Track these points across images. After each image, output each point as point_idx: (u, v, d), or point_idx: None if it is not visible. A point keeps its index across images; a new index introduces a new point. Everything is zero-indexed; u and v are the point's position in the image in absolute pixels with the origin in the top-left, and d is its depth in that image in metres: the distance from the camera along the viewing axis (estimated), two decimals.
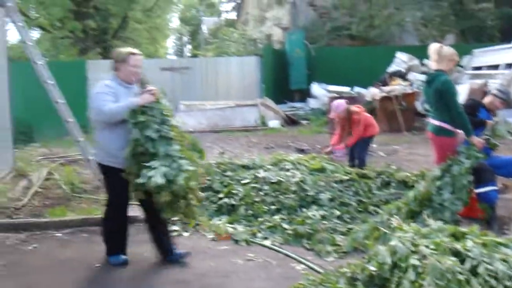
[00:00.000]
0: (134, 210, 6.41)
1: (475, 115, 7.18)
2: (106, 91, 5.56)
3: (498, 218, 6.89)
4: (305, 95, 22.43)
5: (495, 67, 19.70)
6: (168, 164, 5.20)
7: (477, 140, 6.60)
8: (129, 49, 5.78)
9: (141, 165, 5.25)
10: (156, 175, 5.05)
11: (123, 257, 5.90)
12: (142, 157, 5.29)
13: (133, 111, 5.36)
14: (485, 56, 20.90)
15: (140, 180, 5.13)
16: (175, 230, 6.95)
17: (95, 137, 5.75)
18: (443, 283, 3.41)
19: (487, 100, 7.50)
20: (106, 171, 5.71)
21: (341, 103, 9.76)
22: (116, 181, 5.56)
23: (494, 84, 17.06)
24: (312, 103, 21.35)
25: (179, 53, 71.12)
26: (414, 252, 3.80)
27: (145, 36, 38.74)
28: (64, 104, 9.52)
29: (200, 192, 5.82)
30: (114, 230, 5.90)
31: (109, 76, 5.76)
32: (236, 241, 6.52)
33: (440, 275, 3.44)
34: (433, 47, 6.93)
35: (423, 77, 19.42)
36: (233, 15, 51.17)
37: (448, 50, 6.87)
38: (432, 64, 6.95)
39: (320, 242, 6.34)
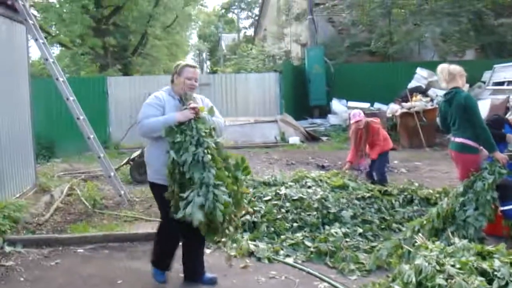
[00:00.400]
0: (152, 226, 6.40)
1: (500, 130, 7.13)
2: (153, 103, 5.39)
3: None
4: (325, 111, 22.40)
5: None
6: (204, 194, 4.89)
7: (501, 156, 6.52)
8: (186, 62, 5.63)
9: (181, 185, 5.04)
10: (194, 211, 4.81)
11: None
12: (181, 177, 5.04)
13: (171, 129, 5.13)
14: (506, 71, 20.75)
15: (178, 215, 4.87)
16: None
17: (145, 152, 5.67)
18: None
19: (511, 116, 7.43)
20: (154, 187, 5.54)
21: (358, 112, 9.79)
22: (164, 199, 5.25)
23: None
24: (332, 119, 21.31)
25: (199, 69, 71.59)
26: (439, 271, 3.75)
27: (165, 52, 39.07)
28: (85, 120, 9.59)
29: (238, 218, 5.65)
30: (164, 247, 5.73)
31: (164, 90, 5.58)
32: (259, 259, 6.48)
33: None
34: (442, 68, 6.92)
35: (442, 93, 19.32)
36: (251, 32, 51.38)
37: (456, 67, 6.87)
38: (443, 84, 6.92)
39: (343, 260, 6.27)
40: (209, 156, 5.03)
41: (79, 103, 9.80)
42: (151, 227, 7.78)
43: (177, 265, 5.88)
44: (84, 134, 9.50)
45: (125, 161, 12.02)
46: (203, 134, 5.16)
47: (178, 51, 44.35)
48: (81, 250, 7.11)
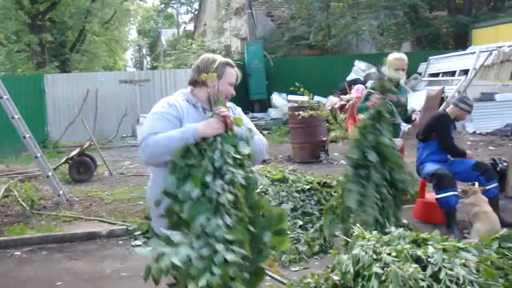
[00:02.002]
0: (93, 226, 6.33)
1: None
2: (165, 113, 3.54)
3: (458, 222, 7.01)
4: (265, 105, 22.48)
5: (451, 73, 20.08)
6: (199, 247, 3.00)
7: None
8: (223, 58, 3.81)
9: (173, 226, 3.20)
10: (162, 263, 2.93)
11: None
12: (177, 220, 3.18)
13: (186, 149, 3.29)
14: (440, 62, 21.29)
15: (152, 264, 2.95)
16: (137, 245, 6.91)
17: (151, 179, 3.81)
18: None
19: (448, 110, 7.58)
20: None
21: (362, 87, 9.97)
22: None
23: (450, 91, 17.40)
24: (272, 113, 21.39)
25: (139, 65, 70.85)
26: (376, 260, 3.81)
27: (104, 48, 38.55)
28: (20, 119, 9.38)
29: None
30: None
31: (180, 94, 3.76)
32: None
33: (403, 282, 3.46)
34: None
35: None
36: (191, 27, 51.11)
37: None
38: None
39: (284, 252, 6.32)
40: (230, 197, 3.11)
41: (15, 101, 9.58)
42: (91, 227, 7.71)
43: None
44: (20, 134, 9.30)
45: (63, 160, 11.81)
46: (230, 161, 3.29)
47: (118, 47, 43.86)
48: (19, 253, 6.97)
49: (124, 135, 20.39)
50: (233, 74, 3.78)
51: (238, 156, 3.34)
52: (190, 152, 3.30)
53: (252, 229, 3.23)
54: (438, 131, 7.27)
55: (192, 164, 3.26)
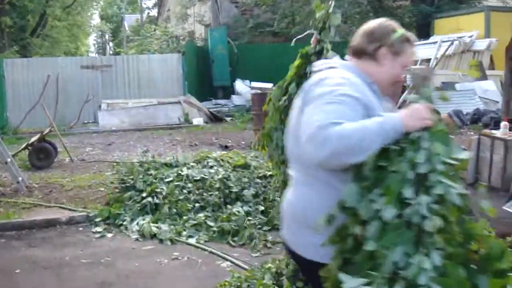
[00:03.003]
0: (53, 212, 6.27)
1: None
2: (347, 94, 2.38)
3: None
4: (228, 92, 22.45)
5: (414, 62, 20.24)
6: None
7: None
8: (402, 29, 2.80)
9: (346, 262, 2.28)
10: None
11: None
12: (352, 248, 2.25)
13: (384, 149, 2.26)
14: None
15: None
16: (98, 232, 6.86)
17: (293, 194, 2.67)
18: None
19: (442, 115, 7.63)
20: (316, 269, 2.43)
21: None
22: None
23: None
24: (235, 100, 21.38)
25: (101, 51, 70.05)
26: None
27: (65, 33, 37.96)
28: None
29: None
30: None
31: (343, 67, 2.67)
32: (161, 241, 6.46)
33: None
34: None
35: None
36: (155, 12, 50.64)
37: None
38: None
39: (250, 238, 6.34)
40: (439, 222, 2.08)
41: None
42: (51, 214, 7.61)
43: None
44: None
45: (23, 146, 11.62)
46: (441, 167, 2.22)
47: (80, 32, 43.25)
48: None
49: (86, 121, 20.17)
50: (413, 54, 2.83)
51: (452, 162, 2.25)
52: (386, 152, 2.26)
53: (463, 272, 2.08)
54: None
55: (386, 168, 2.23)
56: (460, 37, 19.69)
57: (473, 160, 8.68)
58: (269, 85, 20.32)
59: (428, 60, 19.30)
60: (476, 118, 15.38)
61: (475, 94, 17.38)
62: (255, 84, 20.99)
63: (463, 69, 19.43)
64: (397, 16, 24.52)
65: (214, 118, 19.29)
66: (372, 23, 2.75)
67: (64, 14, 35.49)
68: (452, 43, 19.10)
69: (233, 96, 21.77)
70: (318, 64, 2.77)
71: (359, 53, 2.69)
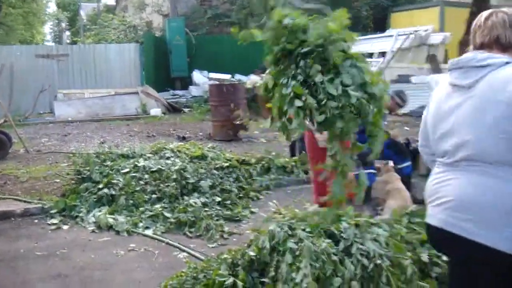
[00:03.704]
0: (8, 204, 6.18)
1: None
2: None
3: (373, 199, 7.21)
4: (186, 82, 22.38)
5: (370, 55, 20.52)
6: None
7: None
8: None
9: None
10: None
11: None
12: None
13: None
14: (360, 44, 21.66)
15: None
16: (54, 223, 6.78)
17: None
18: (319, 264, 3.51)
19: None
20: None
21: None
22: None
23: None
24: (193, 91, 21.32)
25: (58, 39, 68.81)
26: (291, 236, 3.89)
27: (20, 21, 37.26)
28: None
29: None
30: None
31: None
32: (118, 232, 6.43)
33: (316, 257, 3.54)
34: None
35: None
36: (112, 1, 49.97)
37: None
38: None
39: (207, 229, 6.35)
40: None
41: None
42: (6, 206, 7.48)
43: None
44: None
45: None
46: None
47: (35, 20, 42.49)
48: None
49: (42, 112, 19.88)
50: None
51: None
52: None
53: None
54: None
55: None
56: (416, 31, 19.98)
57: None
58: (227, 76, 20.35)
59: (384, 53, 19.54)
60: None
61: (430, 87, 17.65)
62: (213, 75, 20.99)
63: (418, 62, 19.73)
64: (354, 9, 24.76)
65: (172, 109, 19.20)
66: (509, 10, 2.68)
67: (19, 1, 34.82)
68: (407, 37, 19.38)
69: (191, 87, 21.70)
70: (479, 58, 2.66)
71: (506, 46, 2.66)
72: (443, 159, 2.78)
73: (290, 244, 3.77)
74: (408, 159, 7.49)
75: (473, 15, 10.90)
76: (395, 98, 7.56)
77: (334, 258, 3.56)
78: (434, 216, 2.76)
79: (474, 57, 2.66)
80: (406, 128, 14.11)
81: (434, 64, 19.51)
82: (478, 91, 2.57)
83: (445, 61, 20.12)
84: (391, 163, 7.15)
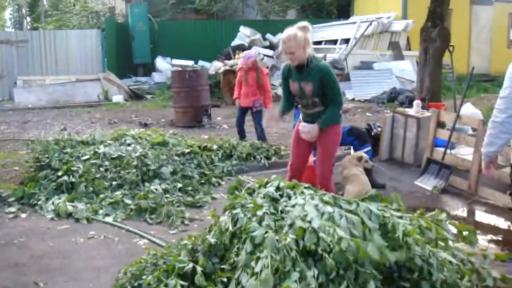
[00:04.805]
0: None
1: None
2: None
3: (335, 184, 7.26)
4: (149, 69, 22.24)
5: (333, 41, 20.63)
6: None
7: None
8: None
9: None
10: None
11: None
12: None
13: None
14: (323, 31, 21.80)
15: None
16: (11, 212, 6.67)
17: None
18: (279, 257, 3.46)
19: None
20: None
21: (252, 52, 9.94)
22: None
23: (332, 58, 17.87)
24: (156, 77, 21.20)
25: (18, 25, 67.58)
26: (253, 216, 3.88)
27: None
28: None
29: None
30: None
31: None
32: (77, 220, 6.35)
33: (277, 249, 3.50)
34: None
35: (265, 51, 19.94)
36: None
37: None
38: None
39: (167, 215, 6.32)
40: None
41: None
42: None
43: None
44: None
45: None
46: None
47: None
48: None
49: (1, 99, 19.57)
50: None
51: None
52: None
53: None
54: None
55: None
56: (379, 18, 20.14)
57: (388, 137, 8.94)
58: (190, 63, 20.26)
59: (348, 40, 19.66)
60: (393, 96, 15.84)
61: (392, 74, 17.87)
62: (176, 61, 20.87)
63: (381, 48, 19.90)
64: None
65: (134, 95, 19.05)
66: None
67: None
68: (370, 24, 19.51)
69: (154, 74, 21.58)
70: None
71: None
72: None
73: (253, 232, 3.72)
74: (368, 144, 7.56)
75: (434, 3, 10.98)
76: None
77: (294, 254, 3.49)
78: None
79: None
80: (368, 114, 14.22)
81: (397, 51, 19.68)
82: None
83: (407, 48, 20.35)
84: (352, 149, 7.22)
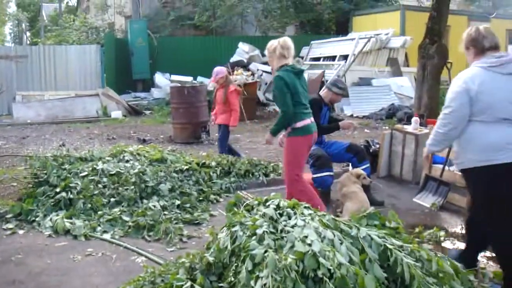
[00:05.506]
0: None
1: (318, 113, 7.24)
2: None
3: (333, 201, 7.27)
4: (148, 85, 22.28)
5: (332, 58, 20.69)
6: None
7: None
8: None
9: None
10: None
11: None
12: None
13: None
14: (322, 47, 21.89)
15: None
16: (9, 228, 6.65)
17: None
18: (280, 277, 3.43)
19: (323, 93, 7.80)
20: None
21: (223, 69, 9.85)
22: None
23: (330, 75, 17.92)
24: (155, 93, 21.24)
25: (18, 40, 67.84)
26: (253, 235, 3.87)
27: None
28: None
29: None
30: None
31: None
32: (75, 236, 6.33)
33: (277, 269, 3.47)
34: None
35: (264, 67, 19.98)
36: (74, 2, 49.44)
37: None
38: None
39: (166, 232, 6.30)
40: None
41: None
42: None
43: None
44: None
45: None
46: None
47: None
48: None
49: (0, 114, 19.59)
50: None
51: None
52: None
53: None
54: None
55: None
56: (377, 35, 20.23)
57: (386, 154, 8.94)
58: (189, 79, 20.30)
59: (346, 56, 19.73)
60: (391, 113, 15.86)
61: (390, 90, 17.91)
62: (175, 77, 20.93)
63: (379, 65, 19.96)
64: (316, 12, 24.95)
65: (133, 111, 19.07)
66: None
67: None
68: (369, 40, 19.59)
69: (153, 89, 21.62)
70: None
71: None
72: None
73: (253, 251, 3.70)
74: (367, 161, 7.56)
75: (432, 19, 11.04)
76: (332, 89, 7.61)
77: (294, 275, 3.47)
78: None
79: None
80: (366, 130, 14.23)
81: (395, 67, 19.74)
82: None
83: (406, 64, 20.42)
84: (350, 166, 7.22)
